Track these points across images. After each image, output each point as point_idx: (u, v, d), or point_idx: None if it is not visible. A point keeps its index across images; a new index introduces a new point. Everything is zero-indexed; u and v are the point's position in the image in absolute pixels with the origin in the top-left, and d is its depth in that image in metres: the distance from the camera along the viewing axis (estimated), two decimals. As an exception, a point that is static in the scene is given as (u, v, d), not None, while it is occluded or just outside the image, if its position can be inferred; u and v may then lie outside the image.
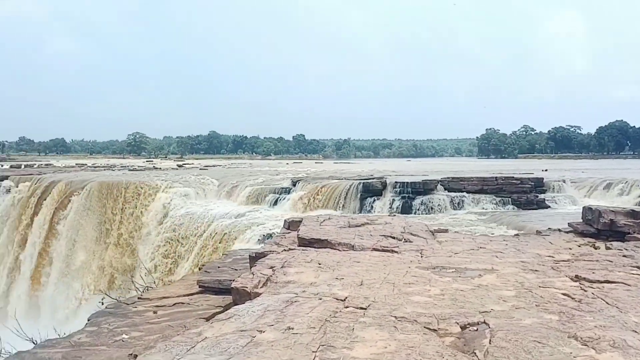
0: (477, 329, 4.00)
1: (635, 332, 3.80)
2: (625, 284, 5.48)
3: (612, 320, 4.12)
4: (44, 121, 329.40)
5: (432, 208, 25.64)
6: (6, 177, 42.35)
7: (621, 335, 3.70)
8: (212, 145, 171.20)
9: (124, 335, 6.13)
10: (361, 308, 4.64)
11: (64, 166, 62.45)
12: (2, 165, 61.24)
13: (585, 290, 5.21)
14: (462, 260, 7.06)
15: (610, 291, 5.16)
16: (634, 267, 6.41)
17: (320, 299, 4.96)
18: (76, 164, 68.83)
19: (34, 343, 6.61)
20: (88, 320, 7.05)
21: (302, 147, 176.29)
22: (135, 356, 4.70)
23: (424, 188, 26.89)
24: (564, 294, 5.05)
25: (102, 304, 8.29)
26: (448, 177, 28.74)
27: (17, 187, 39.42)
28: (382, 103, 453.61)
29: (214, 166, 62.39)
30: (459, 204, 26.03)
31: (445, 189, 27.35)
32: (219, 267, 9.02)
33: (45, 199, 35.02)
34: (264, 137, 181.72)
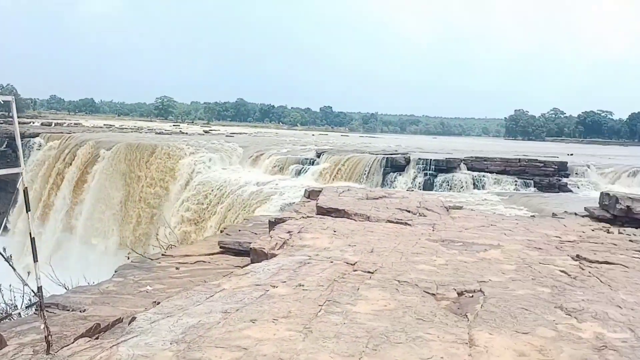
0: (472, 296, 4.32)
1: (619, 307, 4.07)
2: (623, 265, 5.72)
3: (600, 296, 4.39)
4: (75, 81, 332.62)
5: (453, 186, 25.83)
6: (37, 135, 43.49)
7: (605, 308, 3.99)
8: (239, 112, 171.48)
9: (147, 287, 6.62)
10: (368, 272, 4.98)
11: (93, 126, 63.59)
12: (33, 123, 62.50)
13: (583, 269, 5.47)
14: (471, 235, 7.34)
15: (607, 271, 5.41)
16: (637, 251, 6.62)
17: (332, 262, 5.32)
18: (104, 125, 70.07)
19: (66, 289, 7.11)
20: (115, 271, 7.58)
21: (329, 119, 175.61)
22: (159, 303, 5.12)
23: (447, 166, 27.09)
24: (561, 271, 5.32)
25: (128, 258, 8.79)
26: (471, 157, 28.86)
27: (47, 144, 40.56)
28: (411, 79, 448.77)
29: (240, 134, 62.84)
30: (480, 183, 26.16)
31: (468, 168, 27.49)
32: (239, 230, 9.44)
33: (74, 158, 36.02)
34: (291, 107, 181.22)
